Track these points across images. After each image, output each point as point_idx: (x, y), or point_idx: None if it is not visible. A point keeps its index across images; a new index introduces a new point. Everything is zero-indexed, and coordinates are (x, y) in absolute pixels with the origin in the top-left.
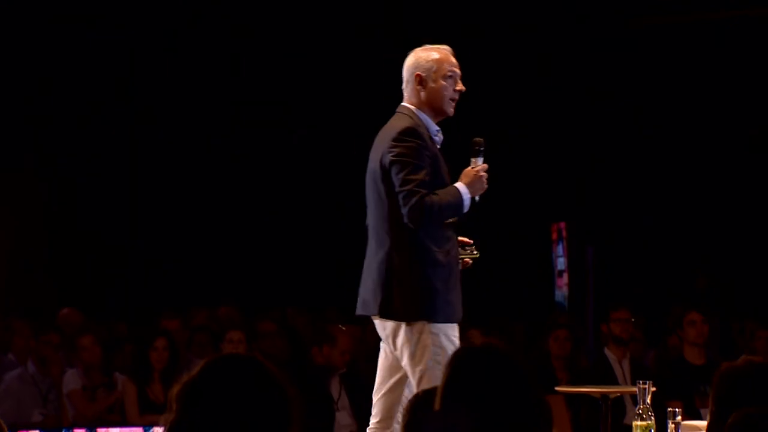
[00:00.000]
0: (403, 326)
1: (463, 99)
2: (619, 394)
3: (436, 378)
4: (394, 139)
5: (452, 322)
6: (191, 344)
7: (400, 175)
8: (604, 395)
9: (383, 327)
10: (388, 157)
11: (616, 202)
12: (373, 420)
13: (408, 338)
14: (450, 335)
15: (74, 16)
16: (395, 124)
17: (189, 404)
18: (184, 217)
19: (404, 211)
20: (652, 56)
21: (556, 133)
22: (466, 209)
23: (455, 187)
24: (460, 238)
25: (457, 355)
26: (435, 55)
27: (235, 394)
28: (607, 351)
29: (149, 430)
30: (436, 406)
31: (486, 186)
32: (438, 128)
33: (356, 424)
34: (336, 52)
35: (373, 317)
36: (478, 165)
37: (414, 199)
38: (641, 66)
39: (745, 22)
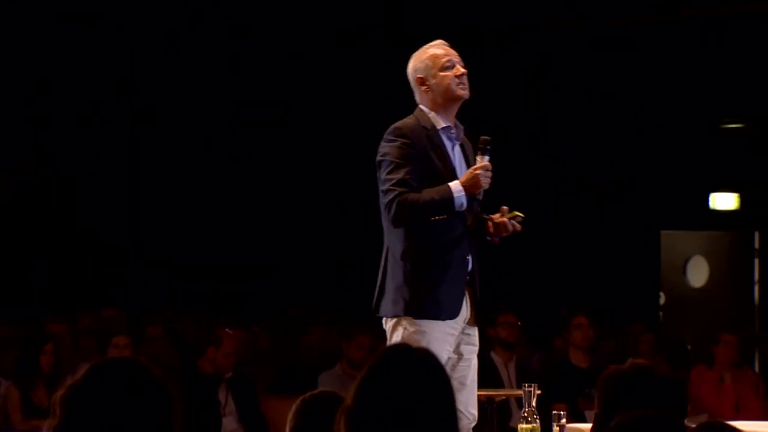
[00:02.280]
0: (387, 321)
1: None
2: (504, 398)
3: None
4: (384, 140)
5: (434, 319)
6: (76, 348)
7: (381, 175)
8: (490, 398)
9: (383, 323)
10: (378, 157)
11: (501, 204)
12: None
13: (390, 333)
14: (428, 331)
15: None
16: (393, 125)
17: (72, 409)
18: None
19: (382, 209)
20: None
21: None
22: (459, 207)
23: (448, 185)
24: (498, 213)
25: (377, 357)
26: (428, 52)
27: (119, 398)
28: (493, 354)
29: None
30: (348, 404)
31: (485, 184)
32: (448, 124)
33: (242, 428)
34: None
35: None
36: (482, 163)
37: (388, 198)
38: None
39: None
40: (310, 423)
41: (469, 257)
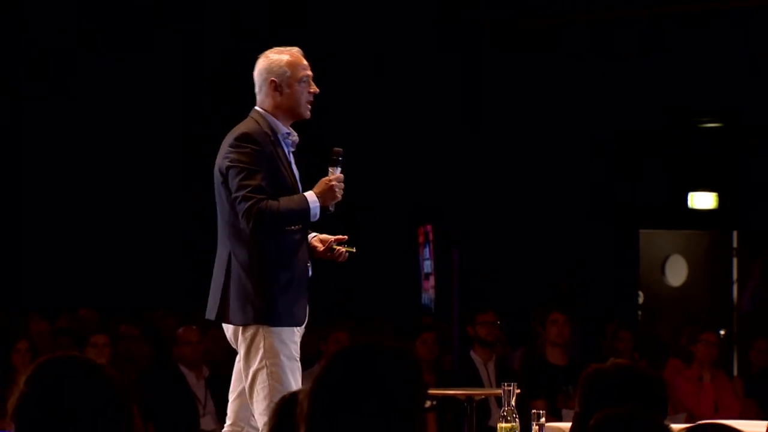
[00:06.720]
0: (240, 329)
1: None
2: (483, 396)
3: (264, 380)
4: (231, 145)
5: (289, 326)
6: (55, 347)
7: (235, 181)
8: (469, 397)
9: (226, 330)
10: (225, 163)
11: (482, 205)
12: (226, 423)
13: (243, 340)
14: (286, 339)
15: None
16: (235, 129)
17: (25, 421)
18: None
19: (239, 216)
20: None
21: (424, 136)
22: (314, 218)
23: (304, 195)
24: (336, 237)
25: (336, 354)
26: (288, 59)
27: (67, 401)
28: (472, 353)
29: None
30: (304, 406)
31: (339, 197)
32: (289, 131)
33: (221, 427)
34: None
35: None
36: (335, 175)
37: (247, 205)
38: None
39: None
40: (289, 422)
41: (309, 264)
